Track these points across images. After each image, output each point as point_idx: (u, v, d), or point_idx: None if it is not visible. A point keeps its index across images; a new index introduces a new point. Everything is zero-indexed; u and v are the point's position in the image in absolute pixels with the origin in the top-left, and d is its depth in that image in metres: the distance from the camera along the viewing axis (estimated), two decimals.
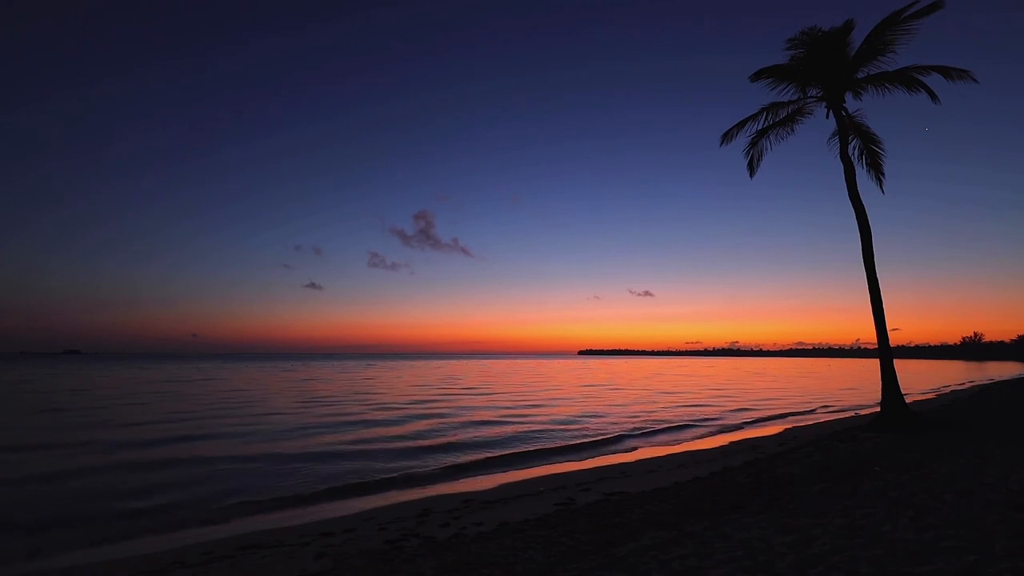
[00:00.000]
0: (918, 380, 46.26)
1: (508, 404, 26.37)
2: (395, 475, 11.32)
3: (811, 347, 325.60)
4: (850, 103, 15.50)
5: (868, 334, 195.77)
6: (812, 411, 23.75)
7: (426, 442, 15.15)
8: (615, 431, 17.42)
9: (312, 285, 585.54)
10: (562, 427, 18.40)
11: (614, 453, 14.03)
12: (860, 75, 15.06)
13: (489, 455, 13.44)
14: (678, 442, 15.82)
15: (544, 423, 19.39)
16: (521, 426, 18.49)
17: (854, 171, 15.29)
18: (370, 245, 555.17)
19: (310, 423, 18.99)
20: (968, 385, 38.15)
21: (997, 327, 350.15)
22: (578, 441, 15.55)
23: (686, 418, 21.01)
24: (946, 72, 14.02)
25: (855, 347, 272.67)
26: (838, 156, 15.39)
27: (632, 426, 18.65)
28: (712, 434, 17.40)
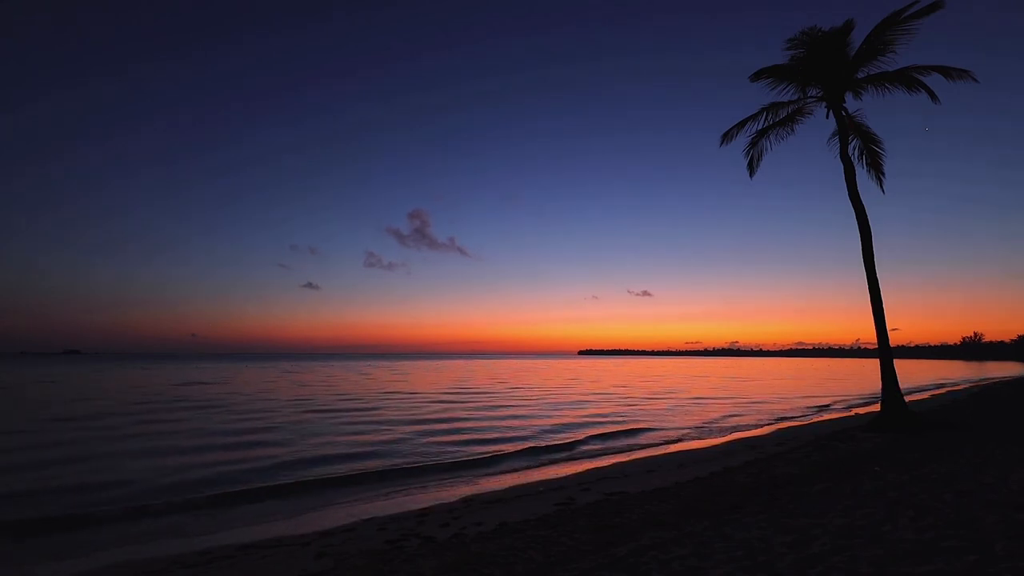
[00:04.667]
0: (918, 380, 46.25)
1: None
2: None
3: (811, 347, 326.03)
4: (850, 103, 15.52)
5: (868, 334, 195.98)
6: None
7: None
8: None
9: (309, 285, 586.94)
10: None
11: None
12: (860, 75, 15.07)
13: None
14: None
15: None
16: None
17: (854, 171, 15.30)
18: (366, 245, 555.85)
19: None
20: (968, 385, 38.15)
21: (997, 327, 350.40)
22: None
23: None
24: (946, 72, 14.02)
25: (855, 347, 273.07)
26: (838, 156, 15.41)
27: None
28: None
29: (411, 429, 17.52)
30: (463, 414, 21.93)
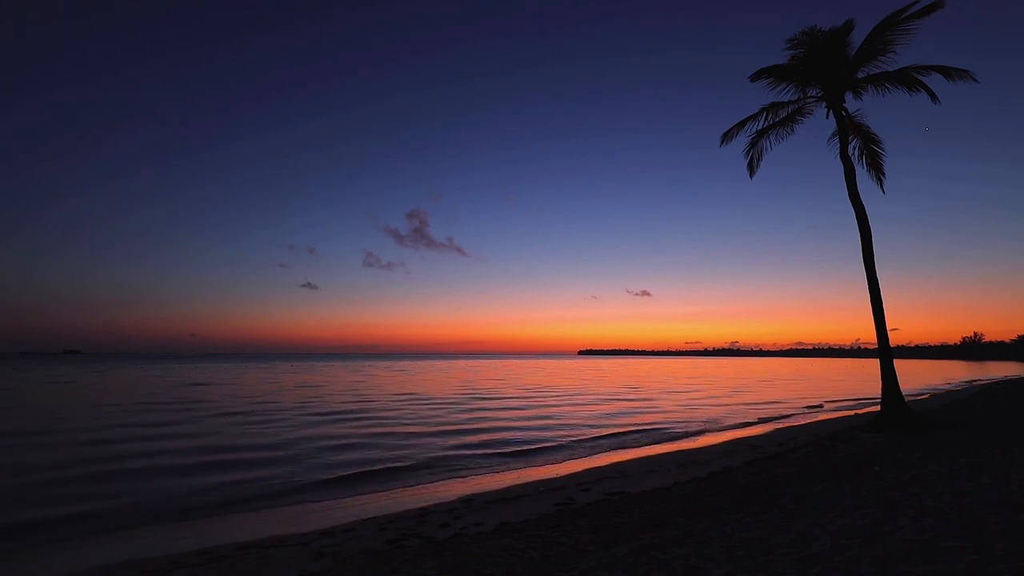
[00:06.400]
0: (918, 380, 46.25)
1: None
2: None
3: (811, 347, 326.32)
4: (850, 103, 15.53)
5: (868, 334, 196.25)
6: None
7: None
8: None
9: (308, 285, 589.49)
10: None
11: None
12: (860, 75, 15.07)
13: None
14: None
15: None
16: None
17: (854, 171, 15.29)
18: (365, 244, 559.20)
19: None
20: (968, 385, 38.14)
21: (997, 327, 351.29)
22: None
23: None
24: (946, 72, 14.02)
25: (855, 347, 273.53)
26: (838, 156, 15.41)
27: None
28: None
29: (453, 441, 15.30)
30: (501, 423, 19.51)
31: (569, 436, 16.47)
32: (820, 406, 26.18)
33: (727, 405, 26.32)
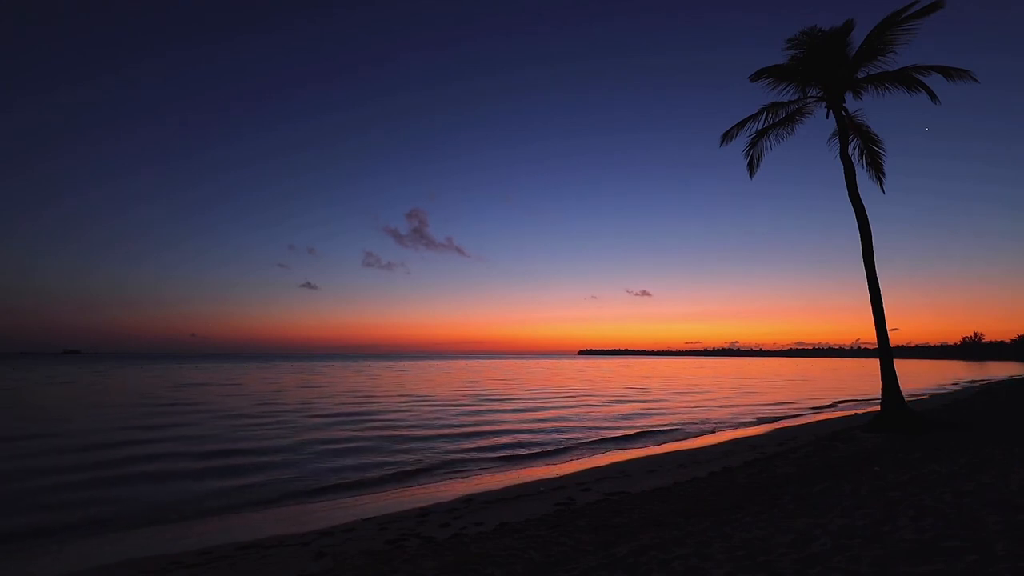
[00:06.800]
0: (918, 380, 46.22)
1: None
2: None
3: (811, 347, 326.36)
4: (850, 103, 15.52)
5: (868, 334, 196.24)
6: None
7: None
8: None
9: (307, 285, 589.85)
10: None
11: None
12: (860, 75, 15.07)
13: None
14: None
15: None
16: None
17: (854, 171, 15.29)
18: (364, 244, 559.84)
19: None
20: (968, 385, 38.12)
21: (997, 327, 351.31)
22: None
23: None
24: (946, 72, 14.02)
25: (855, 347, 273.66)
26: (838, 156, 15.40)
27: None
28: None
29: (461, 445, 14.84)
30: (509, 424, 19.04)
31: (588, 438, 16.30)
32: (833, 405, 26.32)
33: (739, 406, 26.21)
